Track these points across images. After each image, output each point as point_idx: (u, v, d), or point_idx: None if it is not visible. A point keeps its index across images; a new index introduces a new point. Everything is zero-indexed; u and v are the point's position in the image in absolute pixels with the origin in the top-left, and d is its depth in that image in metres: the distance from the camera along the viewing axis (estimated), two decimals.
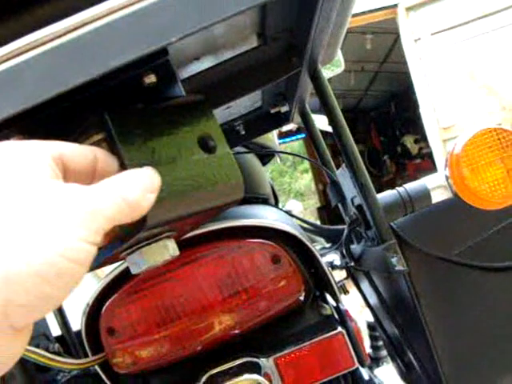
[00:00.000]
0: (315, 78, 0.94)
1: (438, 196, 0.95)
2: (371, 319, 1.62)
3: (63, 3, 0.50)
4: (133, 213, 0.45)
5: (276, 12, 0.72)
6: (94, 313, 0.94)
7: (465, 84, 5.59)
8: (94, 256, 0.41)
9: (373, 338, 2.02)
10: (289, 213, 1.41)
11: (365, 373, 1.04)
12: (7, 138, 0.53)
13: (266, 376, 0.92)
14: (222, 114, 1.05)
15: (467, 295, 0.98)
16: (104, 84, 0.52)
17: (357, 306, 1.95)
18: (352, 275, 1.30)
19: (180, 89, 0.59)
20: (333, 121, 0.93)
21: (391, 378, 1.46)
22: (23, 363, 1.04)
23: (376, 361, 1.96)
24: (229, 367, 0.92)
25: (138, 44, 0.47)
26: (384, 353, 1.93)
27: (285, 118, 1.26)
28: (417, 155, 9.99)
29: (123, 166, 0.50)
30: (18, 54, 0.47)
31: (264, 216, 1.06)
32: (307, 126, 1.29)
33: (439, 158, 5.69)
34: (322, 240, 1.59)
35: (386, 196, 0.96)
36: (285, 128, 1.84)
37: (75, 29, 0.47)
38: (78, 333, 1.23)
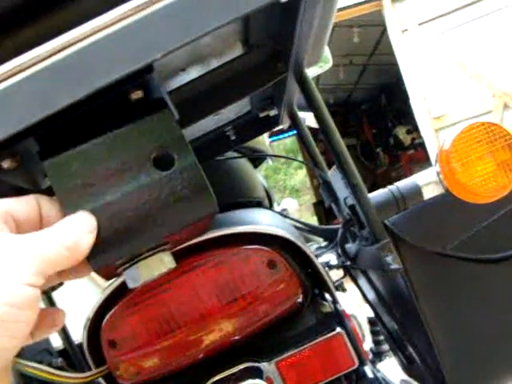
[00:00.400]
0: (302, 81, 0.94)
1: (430, 192, 0.96)
2: (372, 314, 1.63)
3: (46, 26, 0.50)
4: (73, 256, 0.47)
5: (259, 20, 0.72)
6: (94, 326, 0.94)
7: (454, 73, 5.61)
8: (37, 300, 0.44)
9: (374, 333, 2.02)
10: (283, 214, 1.41)
11: (368, 370, 1.05)
12: None
13: (268, 380, 0.92)
14: (212, 120, 1.05)
15: (463, 288, 0.98)
16: (91, 103, 0.53)
17: (357, 300, 1.95)
18: (349, 273, 1.30)
19: (167, 101, 0.59)
20: (321, 123, 0.94)
21: (394, 371, 1.47)
22: (27, 380, 1.04)
23: (378, 355, 1.96)
24: (231, 373, 0.93)
25: (123, 62, 0.47)
26: (386, 347, 1.94)
27: (274, 121, 1.26)
28: (410, 146, 10.00)
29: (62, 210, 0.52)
30: (6, 78, 0.47)
31: (258, 220, 1.07)
32: (296, 128, 1.29)
33: (432, 148, 5.70)
34: (318, 239, 1.60)
35: (378, 195, 0.97)
36: None
37: (59, 51, 0.47)
38: (80, 345, 1.24)
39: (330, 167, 1.20)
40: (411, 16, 5.74)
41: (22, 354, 0.99)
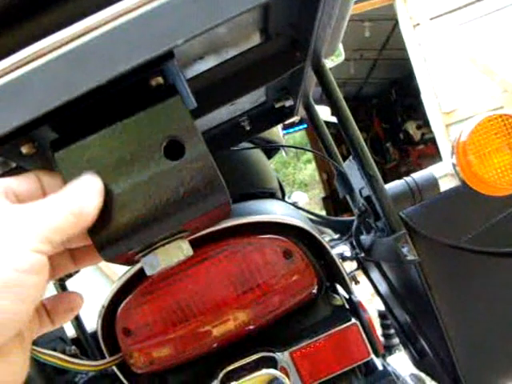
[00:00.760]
0: (319, 71, 0.94)
1: (446, 184, 0.96)
2: (382, 308, 1.63)
3: (67, 10, 0.50)
4: (80, 221, 0.47)
5: (279, 8, 0.72)
6: (109, 314, 0.94)
7: (466, 68, 5.57)
8: (46, 266, 0.44)
9: (384, 327, 2.02)
10: (296, 206, 1.41)
11: (378, 362, 1.05)
12: (18, 145, 0.53)
13: (283, 370, 0.92)
14: (227, 110, 1.05)
15: (477, 281, 0.98)
16: (111, 89, 0.52)
17: (367, 294, 1.95)
18: (362, 265, 1.30)
19: (186, 89, 0.59)
20: (338, 113, 0.93)
21: (404, 365, 1.46)
22: (41, 366, 1.05)
23: (388, 349, 1.96)
24: (245, 363, 0.93)
25: (145, 48, 0.47)
26: (396, 341, 1.94)
27: (289, 112, 1.26)
28: (420, 141, 9.96)
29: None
30: (25, 63, 0.47)
31: (273, 211, 1.07)
32: (312, 119, 1.29)
33: (442, 143, 5.67)
34: (329, 231, 1.60)
35: (394, 186, 0.96)
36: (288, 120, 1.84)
37: (81, 35, 0.47)
38: (93, 334, 1.24)
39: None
40: (423, 10, 5.70)
41: (37, 341, 0.99)
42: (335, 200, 9.85)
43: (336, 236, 1.46)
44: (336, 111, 0.94)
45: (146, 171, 0.53)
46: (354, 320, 0.95)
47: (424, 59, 5.74)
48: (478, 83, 5.55)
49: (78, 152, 0.53)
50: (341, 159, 1.30)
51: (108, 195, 0.52)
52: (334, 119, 1.57)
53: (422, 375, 1.37)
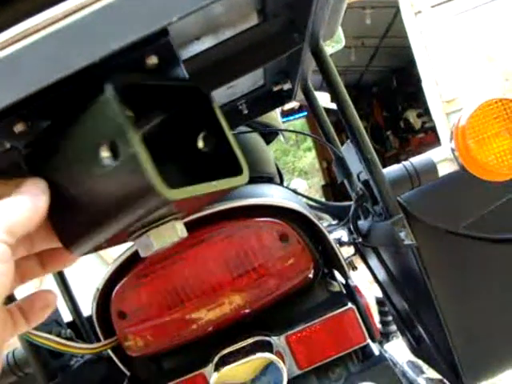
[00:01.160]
0: (317, 53, 0.93)
1: (445, 169, 0.95)
2: (380, 295, 1.63)
3: None
4: (34, 214, 0.51)
5: None
6: (104, 297, 0.94)
7: (467, 56, 5.55)
8: (10, 255, 0.47)
9: (382, 314, 2.02)
10: (294, 191, 1.40)
11: (375, 348, 1.04)
12: (11, 124, 0.53)
13: (278, 354, 0.92)
14: (225, 93, 1.04)
15: (475, 267, 0.98)
16: (105, 67, 0.52)
17: (365, 281, 1.95)
18: (359, 251, 1.30)
19: (182, 69, 0.58)
20: (336, 97, 0.93)
21: (401, 352, 1.47)
22: (36, 349, 1.04)
23: (385, 336, 1.96)
24: (241, 346, 0.92)
25: (139, 25, 0.46)
26: (393, 328, 1.94)
27: (287, 96, 1.25)
28: (420, 129, 9.96)
29: None
30: (18, 40, 0.46)
31: (270, 194, 1.06)
32: (310, 103, 1.28)
33: (443, 132, 5.66)
34: (327, 217, 1.59)
35: (392, 170, 0.96)
36: (287, 106, 1.83)
37: (74, 12, 0.46)
38: (89, 318, 1.24)
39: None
40: None
41: None
42: (335, 188, 9.86)
43: (334, 222, 1.45)
44: (334, 94, 0.93)
45: (84, 174, 0.52)
46: (350, 305, 0.95)
47: (425, 47, 5.72)
48: (479, 72, 5.53)
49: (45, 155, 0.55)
50: (339, 144, 1.30)
51: (57, 196, 0.53)
52: (333, 106, 1.56)
53: (419, 362, 1.37)
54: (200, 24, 0.72)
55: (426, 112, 8.14)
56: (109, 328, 0.96)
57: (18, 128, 0.53)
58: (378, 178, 0.90)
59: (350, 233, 1.20)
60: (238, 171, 0.59)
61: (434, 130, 6.54)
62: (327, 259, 1.02)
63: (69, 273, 1.37)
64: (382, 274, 1.25)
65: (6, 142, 0.63)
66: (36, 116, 0.54)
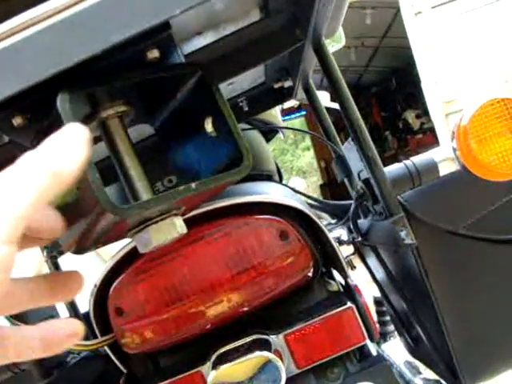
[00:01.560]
0: (319, 50, 0.92)
1: (446, 169, 0.95)
2: (378, 294, 1.62)
3: None
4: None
5: None
6: (101, 294, 0.94)
7: (466, 57, 5.56)
8: (13, 256, 0.39)
9: (380, 314, 2.02)
10: (293, 189, 1.40)
11: (373, 348, 1.04)
12: (9, 117, 0.52)
13: (276, 353, 0.92)
14: (225, 90, 1.03)
15: (475, 268, 0.97)
16: (106, 60, 0.51)
17: (363, 281, 1.95)
18: (358, 250, 1.29)
19: (183, 64, 0.58)
20: (338, 94, 0.92)
21: (398, 352, 1.46)
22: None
23: (383, 336, 1.96)
24: (239, 345, 0.92)
25: (141, 18, 0.46)
26: (391, 328, 1.94)
27: (288, 94, 1.25)
28: (418, 130, 9.99)
29: None
30: (17, 32, 0.46)
31: (270, 192, 1.05)
32: (311, 101, 1.28)
33: (441, 133, 5.67)
34: (326, 216, 1.59)
35: (393, 169, 0.95)
36: (286, 105, 1.83)
37: (75, 3, 0.46)
38: (86, 314, 1.23)
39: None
40: None
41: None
42: (333, 187, 9.88)
43: (333, 221, 1.45)
44: (336, 91, 0.93)
45: None
46: (349, 304, 0.95)
47: (425, 48, 5.72)
48: (478, 73, 5.53)
49: None
50: (340, 143, 1.29)
51: None
52: (333, 105, 1.56)
53: (417, 363, 1.37)
54: (202, 19, 0.71)
55: (424, 113, 8.16)
56: (106, 325, 0.96)
57: (17, 121, 0.53)
58: (378, 177, 0.89)
59: (350, 232, 1.20)
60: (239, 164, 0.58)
61: (432, 130, 6.56)
62: (327, 258, 1.02)
63: (66, 269, 1.37)
64: (380, 274, 1.24)
65: (5, 136, 0.62)
66: (35, 110, 0.54)
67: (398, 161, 0.99)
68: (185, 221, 0.60)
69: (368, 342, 0.98)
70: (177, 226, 0.58)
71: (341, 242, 1.21)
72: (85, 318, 1.32)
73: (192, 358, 0.97)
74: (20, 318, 0.96)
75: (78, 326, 0.50)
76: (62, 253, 1.22)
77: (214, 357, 0.92)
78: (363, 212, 1.11)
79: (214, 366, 0.90)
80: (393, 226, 0.87)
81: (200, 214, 0.89)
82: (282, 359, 0.91)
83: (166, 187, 1.22)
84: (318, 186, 11.09)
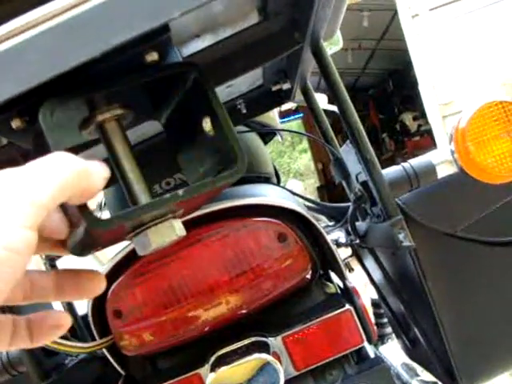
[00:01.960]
0: (318, 53, 0.92)
1: (444, 171, 0.95)
2: (375, 296, 1.62)
3: None
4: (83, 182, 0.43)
5: None
6: (100, 296, 0.93)
7: (464, 60, 5.56)
8: (35, 243, 0.40)
9: (377, 316, 2.02)
10: (292, 191, 1.40)
11: (370, 350, 1.04)
12: (8, 120, 0.52)
13: (275, 355, 0.91)
14: (223, 92, 1.03)
15: (473, 270, 0.97)
16: (105, 62, 0.51)
17: (361, 283, 1.95)
18: (356, 252, 1.29)
19: (180, 63, 0.58)
20: (337, 97, 0.92)
21: (396, 354, 1.46)
22: (31, 348, 1.04)
23: (381, 338, 1.96)
24: (237, 347, 0.92)
25: (140, 20, 0.46)
26: (388, 330, 1.93)
27: (286, 96, 1.25)
28: (416, 132, 9.97)
29: None
30: (17, 34, 0.46)
31: (268, 194, 1.05)
32: (309, 104, 1.28)
33: (439, 135, 5.67)
34: (324, 218, 1.59)
35: (391, 172, 0.96)
36: (284, 107, 1.83)
37: (75, 6, 0.46)
38: (84, 317, 1.23)
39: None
40: (422, 1, 5.68)
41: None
42: (330, 189, 9.87)
43: (331, 223, 1.45)
44: (334, 94, 0.93)
45: None
46: (347, 306, 0.95)
47: (422, 50, 5.73)
48: (476, 75, 5.54)
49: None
50: (338, 145, 1.29)
51: None
52: (330, 107, 1.56)
53: (414, 365, 1.37)
54: (200, 21, 0.71)
55: (422, 115, 8.15)
56: (104, 327, 0.96)
57: (16, 124, 0.53)
58: (377, 179, 0.89)
59: (348, 234, 1.20)
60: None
61: (429, 133, 6.56)
62: (325, 260, 1.02)
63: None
64: (378, 276, 1.24)
65: (4, 138, 0.62)
66: (34, 112, 0.54)
67: (396, 163, 0.99)
68: (183, 223, 0.60)
69: (366, 344, 0.98)
70: (176, 229, 0.58)
71: (339, 244, 1.21)
72: (83, 320, 1.32)
73: (190, 360, 0.97)
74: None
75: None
76: (59, 256, 1.21)
77: (212, 359, 0.92)
78: (361, 214, 1.11)
79: (213, 369, 0.90)
80: (391, 228, 0.87)
81: (199, 216, 0.89)
82: (280, 361, 0.91)
83: (164, 190, 1.22)
84: (315, 188, 11.08)
